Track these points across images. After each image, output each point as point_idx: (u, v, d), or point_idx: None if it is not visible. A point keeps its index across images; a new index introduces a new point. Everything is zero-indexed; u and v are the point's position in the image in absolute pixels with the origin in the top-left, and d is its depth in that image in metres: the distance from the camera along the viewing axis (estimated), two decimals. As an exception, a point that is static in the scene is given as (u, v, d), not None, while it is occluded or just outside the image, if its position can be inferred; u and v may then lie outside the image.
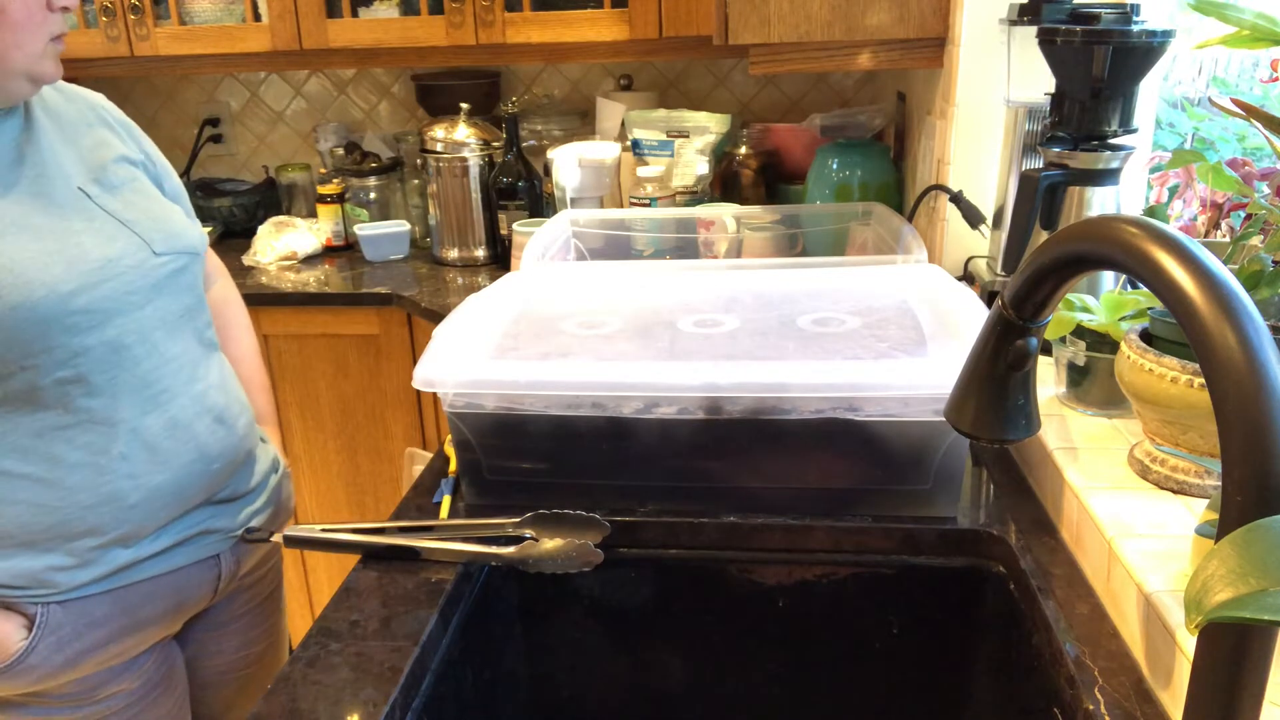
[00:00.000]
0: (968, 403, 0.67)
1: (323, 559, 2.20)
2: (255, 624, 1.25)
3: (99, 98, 1.12)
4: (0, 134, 0.97)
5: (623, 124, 2.08)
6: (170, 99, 2.55)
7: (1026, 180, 1.14)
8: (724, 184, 2.01)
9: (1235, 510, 0.47)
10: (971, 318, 1.00)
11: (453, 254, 2.16)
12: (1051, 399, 1.06)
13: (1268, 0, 1.15)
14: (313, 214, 2.35)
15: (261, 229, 2.26)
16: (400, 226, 2.24)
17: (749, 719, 1.05)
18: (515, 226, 1.83)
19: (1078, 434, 0.98)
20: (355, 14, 2.10)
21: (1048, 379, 1.06)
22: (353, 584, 0.91)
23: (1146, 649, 0.73)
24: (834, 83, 2.30)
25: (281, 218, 2.31)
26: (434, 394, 1.07)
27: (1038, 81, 1.20)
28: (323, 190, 2.27)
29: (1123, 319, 0.97)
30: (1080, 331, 0.99)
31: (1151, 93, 1.43)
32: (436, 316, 1.83)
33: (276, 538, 1.00)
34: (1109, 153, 1.12)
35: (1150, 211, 1.10)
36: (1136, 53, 1.07)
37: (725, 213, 1.66)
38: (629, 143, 2.00)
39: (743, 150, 2.01)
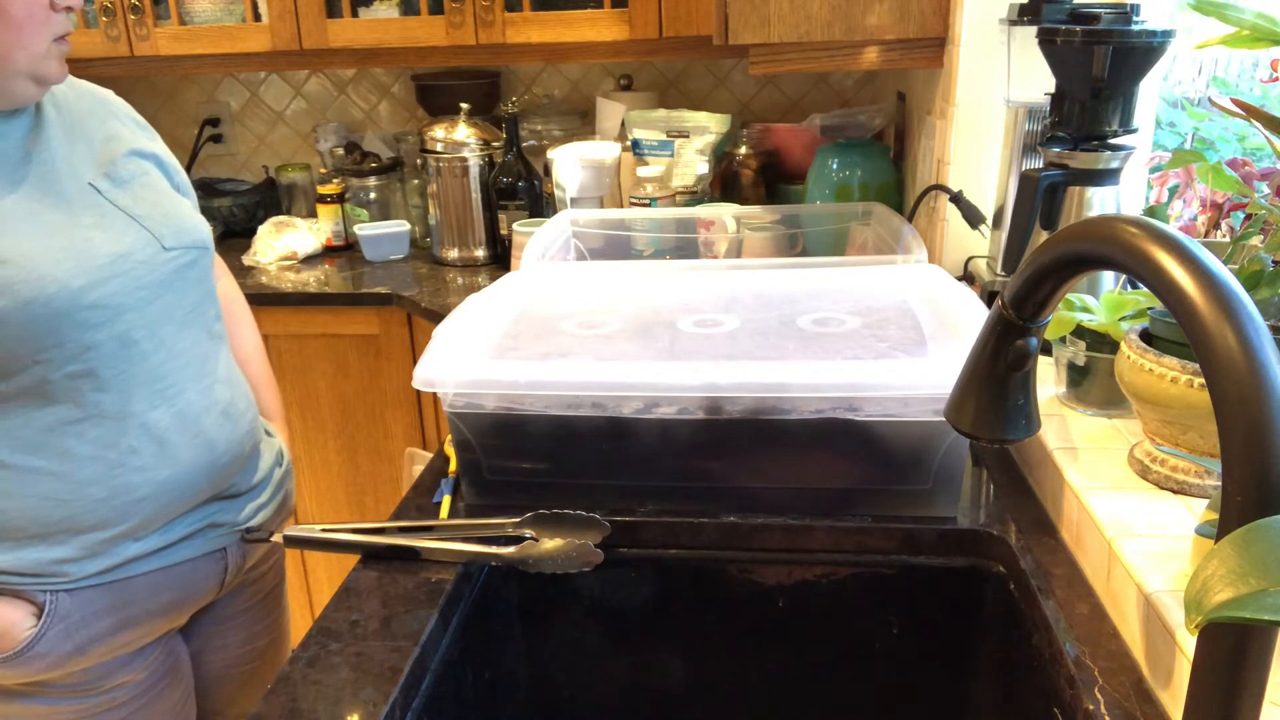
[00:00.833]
0: (968, 403, 0.67)
1: (323, 559, 2.20)
2: (259, 619, 1.25)
3: (108, 93, 1.13)
4: (8, 133, 0.97)
5: (623, 124, 2.07)
6: (170, 99, 2.55)
7: (1026, 180, 1.14)
8: (724, 184, 2.01)
9: (1235, 510, 0.47)
10: (971, 318, 1.00)
11: (453, 254, 2.16)
12: (1051, 399, 1.06)
13: (1268, 0, 1.15)
14: (313, 214, 2.35)
15: (261, 229, 2.26)
16: (400, 226, 2.24)
17: (749, 719, 1.05)
18: (515, 226, 1.83)
19: (1078, 434, 0.98)
20: (355, 14, 2.10)
21: (1048, 379, 1.06)
22: (353, 584, 0.91)
23: (1146, 649, 0.73)
24: (834, 83, 2.30)
25: (281, 218, 2.31)
26: (434, 394, 1.07)
27: (1038, 81, 1.20)
28: (323, 190, 2.27)
29: (1123, 319, 0.97)
30: (1080, 331, 0.99)
31: (1151, 93, 1.43)
32: (436, 316, 1.83)
33: (276, 537, 1.00)
34: (1109, 153, 1.12)
35: (1150, 211, 1.10)
36: (1136, 53, 1.07)
37: (725, 213, 1.66)
38: (629, 143, 2.00)
39: (743, 150, 2.00)
